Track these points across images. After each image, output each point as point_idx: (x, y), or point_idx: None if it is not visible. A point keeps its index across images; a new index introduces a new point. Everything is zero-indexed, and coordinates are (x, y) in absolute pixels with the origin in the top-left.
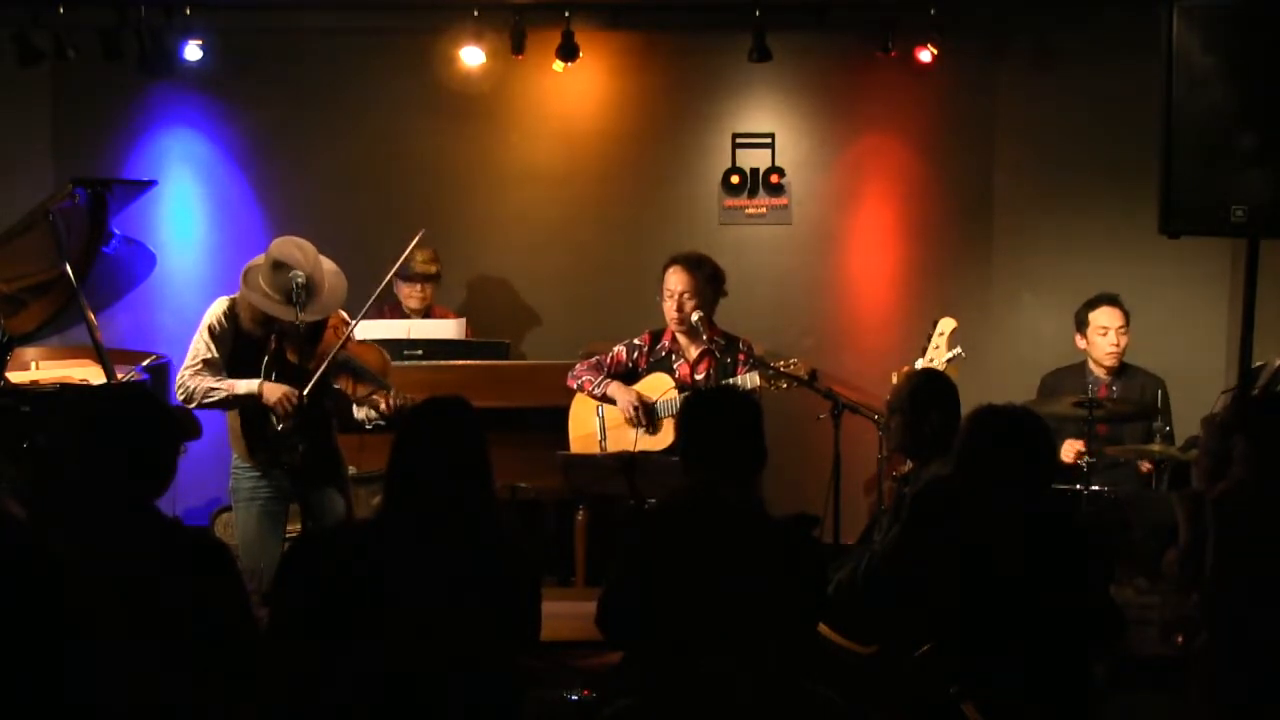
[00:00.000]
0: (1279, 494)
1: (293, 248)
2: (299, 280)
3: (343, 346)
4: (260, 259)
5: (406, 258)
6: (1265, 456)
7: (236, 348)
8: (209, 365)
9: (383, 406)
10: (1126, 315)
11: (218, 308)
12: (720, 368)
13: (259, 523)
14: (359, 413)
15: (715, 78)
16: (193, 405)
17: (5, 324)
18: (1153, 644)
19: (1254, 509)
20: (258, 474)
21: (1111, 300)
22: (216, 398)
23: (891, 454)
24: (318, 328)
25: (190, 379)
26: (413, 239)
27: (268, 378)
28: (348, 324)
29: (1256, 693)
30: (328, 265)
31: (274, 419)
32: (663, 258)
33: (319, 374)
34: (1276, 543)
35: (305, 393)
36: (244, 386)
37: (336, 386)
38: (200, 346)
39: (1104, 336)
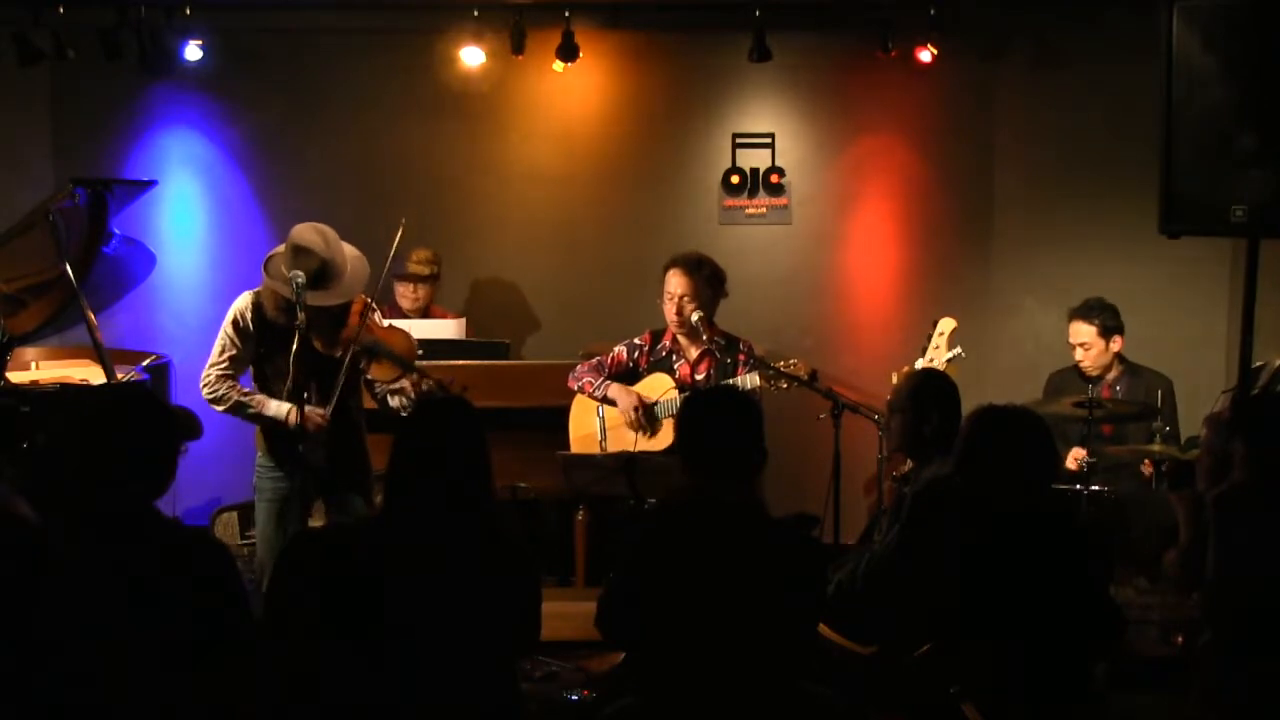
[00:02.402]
0: (1278, 495)
1: (312, 233)
2: (299, 280)
3: (364, 327)
4: (281, 247)
5: (399, 255)
6: (1264, 458)
7: (265, 340)
8: (235, 362)
9: (410, 391)
10: (1100, 326)
11: (241, 303)
12: (720, 368)
13: (277, 522)
14: (393, 400)
15: (715, 78)
16: (220, 409)
17: (5, 324)
18: (1153, 644)
19: (1254, 509)
20: (281, 473)
21: (1078, 313)
22: (245, 414)
23: (891, 454)
24: (342, 315)
25: (218, 382)
26: (403, 235)
27: (296, 368)
28: (371, 307)
29: (1257, 693)
30: (349, 250)
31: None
32: (663, 258)
33: (344, 370)
34: (1276, 543)
35: (333, 400)
36: (274, 409)
37: (369, 377)
38: (225, 342)
39: (1074, 350)
